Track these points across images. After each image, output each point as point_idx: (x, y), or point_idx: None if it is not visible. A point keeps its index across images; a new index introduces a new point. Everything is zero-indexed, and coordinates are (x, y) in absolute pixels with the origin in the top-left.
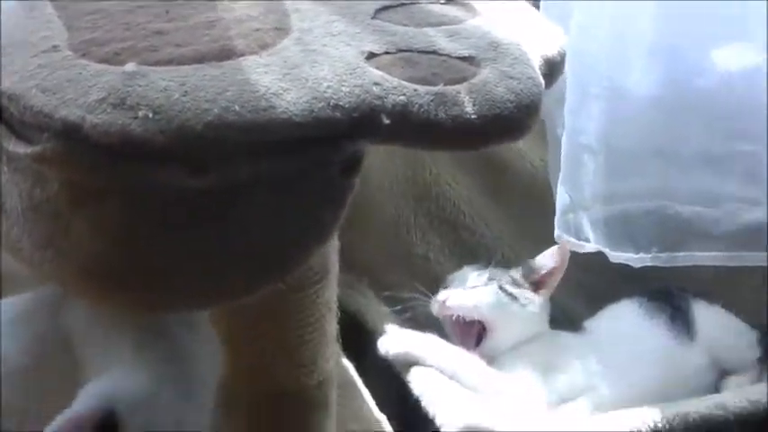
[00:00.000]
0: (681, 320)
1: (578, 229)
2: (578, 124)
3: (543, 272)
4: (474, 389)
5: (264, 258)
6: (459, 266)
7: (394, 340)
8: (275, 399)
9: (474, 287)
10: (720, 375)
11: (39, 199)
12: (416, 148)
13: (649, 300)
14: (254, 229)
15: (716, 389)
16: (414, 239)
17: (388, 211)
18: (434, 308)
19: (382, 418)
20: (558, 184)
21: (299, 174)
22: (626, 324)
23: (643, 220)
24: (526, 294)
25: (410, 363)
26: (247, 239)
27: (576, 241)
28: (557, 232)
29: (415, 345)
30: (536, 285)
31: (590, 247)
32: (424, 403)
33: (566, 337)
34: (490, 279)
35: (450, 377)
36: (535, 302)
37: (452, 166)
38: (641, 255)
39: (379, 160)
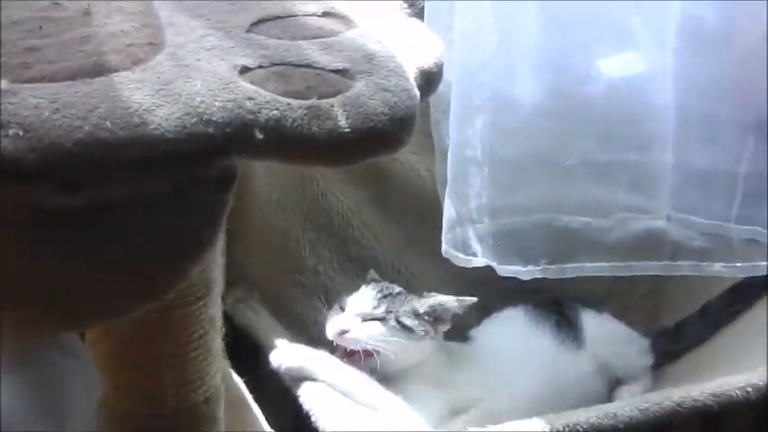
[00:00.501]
0: (567, 328)
1: (465, 244)
2: (463, 136)
3: (447, 314)
4: (366, 407)
5: (140, 277)
6: (349, 280)
7: (287, 354)
8: (161, 417)
9: (372, 319)
10: (612, 384)
11: None
12: (292, 163)
13: (534, 307)
14: (128, 247)
15: (609, 398)
16: (303, 253)
17: (277, 224)
18: (330, 333)
19: None
20: (445, 198)
21: (172, 191)
22: (511, 332)
23: (531, 232)
24: (424, 327)
25: (302, 378)
26: (121, 258)
27: (464, 256)
28: (444, 247)
29: (309, 360)
30: (437, 320)
31: (478, 261)
32: (314, 418)
33: (455, 348)
34: (388, 311)
35: (342, 394)
36: (432, 334)
37: (340, 179)
38: (530, 268)
39: (267, 173)
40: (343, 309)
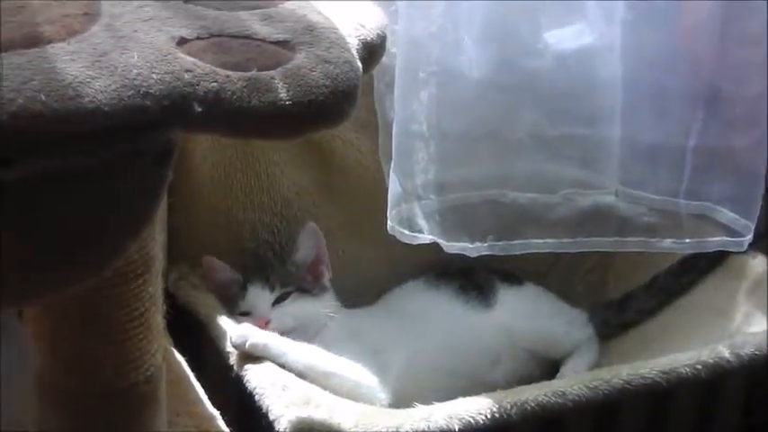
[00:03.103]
0: (475, 291)
1: (411, 221)
2: (409, 110)
3: (310, 262)
4: (328, 376)
5: (77, 254)
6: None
7: (252, 331)
8: (101, 396)
9: (278, 300)
10: (549, 359)
11: None
12: (231, 137)
13: (437, 276)
14: (64, 223)
15: (547, 373)
16: (244, 234)
17: (218, 203)
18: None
19: (216, 413)
20: (390, 173)
21: (109, 165)
22: (412, 296)
23: (478, 208)
24: (312, 283)
25: (264, 355)
26: (57, 234)
27: (410, 233)
28: (389, 224)
29: (271, 337)
30: (314, 274)
31: (424, 238)
32: (257, 397)
33: (358, 313)
34: (283, 286)
35: (304, 368)
36: (324, 285)
37: (281, 158)
38: (477, 244)
39: (209, 150)
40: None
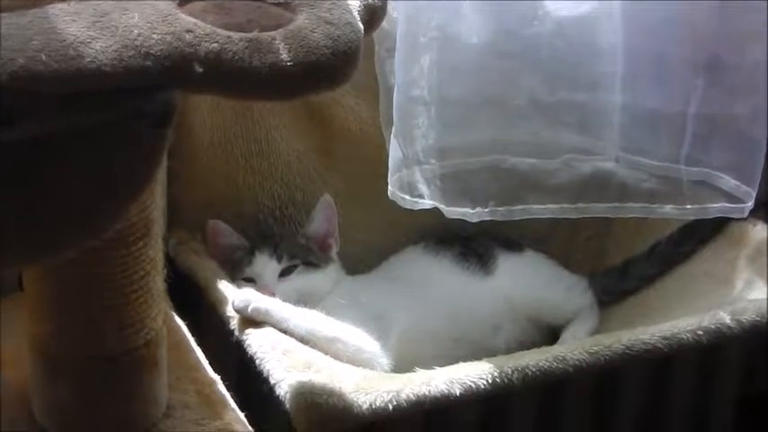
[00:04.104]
0: (474, 258)
1: (412, 186)
2: (409, 75)
3: (322, 234)
4: (329, 341)
5: (76, 214)
6: (286, 228)
7: (254, 295)
8: (101, 361)
9: (284, 272)
10: (550, 325)
11: None
12: (232, 98)
13: (436, 243)
14: (63, 183)
15: (547, 339)
16: (243, 199)
17: (218, 167)
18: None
19: (216, 378)
20: (391, 139)
21: (109, 125)
22: (411, 262)
23: (479, 173)
24: (318, 255)
25: (264, 320)
26: (57, 195)
27: (410, 198)
28: (390, 189)
29: (272, 302)
30: (323, 247)
31: (424, 203)
32: (258, 362)
33: (359, 279)
34: (291, 257)
35: (306, 332)
36: (331, 257)
37: (283, 123)
38: (478, 210)
39: (209, 114)
40: (250, 280)
